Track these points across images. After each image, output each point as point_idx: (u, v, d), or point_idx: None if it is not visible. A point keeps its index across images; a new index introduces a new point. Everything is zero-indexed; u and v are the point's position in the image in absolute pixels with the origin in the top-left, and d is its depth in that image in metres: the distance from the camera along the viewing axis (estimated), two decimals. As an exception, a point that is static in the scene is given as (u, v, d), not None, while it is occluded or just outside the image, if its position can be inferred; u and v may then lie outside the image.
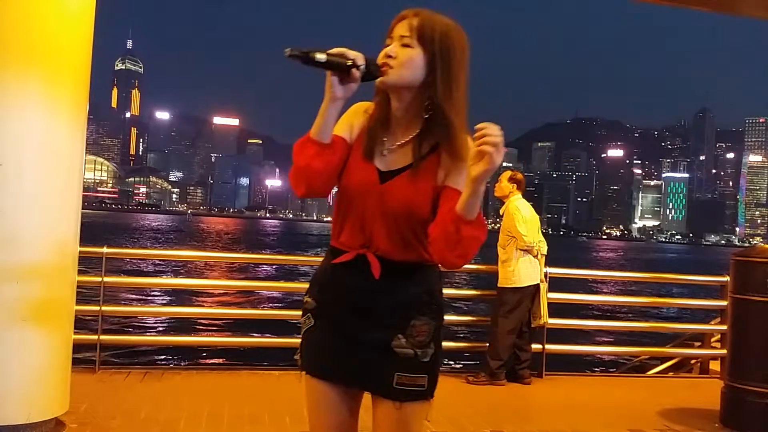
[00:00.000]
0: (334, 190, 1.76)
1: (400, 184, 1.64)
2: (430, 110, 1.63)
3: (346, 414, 1.73)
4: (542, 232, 5.68)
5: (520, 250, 5.26)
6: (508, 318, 5.23)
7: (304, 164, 1.63)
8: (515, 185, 5.48)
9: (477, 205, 1.49)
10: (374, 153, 1.68)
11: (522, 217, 5.27)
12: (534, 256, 5.32)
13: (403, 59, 1.61)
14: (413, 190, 1.62)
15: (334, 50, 1.54)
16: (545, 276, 5.52)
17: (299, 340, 1.79)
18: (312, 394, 1.73)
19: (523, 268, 5.26)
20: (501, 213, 5.49)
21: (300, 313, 1.80)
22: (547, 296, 5.42)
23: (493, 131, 1.40)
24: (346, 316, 1.68)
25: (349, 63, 1.54)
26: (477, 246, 1.54)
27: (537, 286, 5.32)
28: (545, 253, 5.43)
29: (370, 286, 1.65)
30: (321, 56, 1.50)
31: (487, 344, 5.38)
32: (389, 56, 1.62)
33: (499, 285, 5.34)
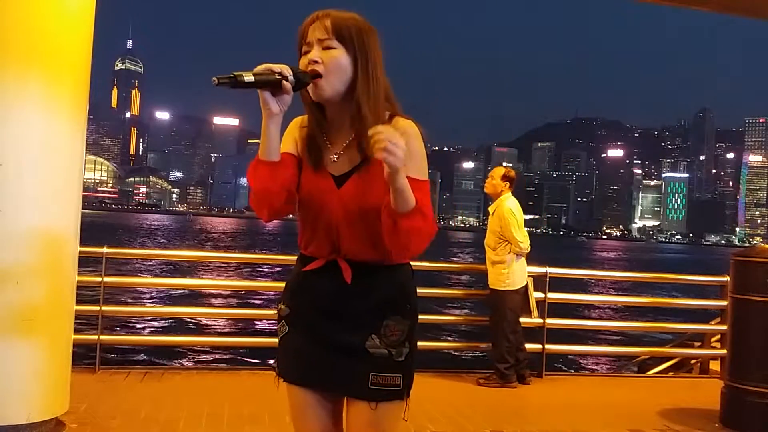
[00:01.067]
0: None
1: (356, 184, 1.63)
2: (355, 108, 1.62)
3: (328, 419, 1.73)
4: (542, 232, 5.70)
5: (514, 253, 5.23)
6: (508, 320, 5.21)
7: (260, 187, 1.62)
8: (508, 183, 5.40)
9: (406, 198, 1.48)
10: (323, 161, 1.67)
11: (517, 221, 5.22)
12: (523, 256, 5.32)
13: (331, 65, 1.59)
14: (370, 186, 1.61)
15: (259, 68, 1.54)
16: (545, 275, 5.51)
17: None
18: (293, 400, 1.73)
19: (518, 270, 5.24)
20: (491, 211, 5.39)
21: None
22: (533, 292, 5.42)
23: (381, 136, 1.39)
24: (319, 321, 1.66)
25: (278, 77, 1.53)
26: (421, 237, 1.53)
27: (526, 284, 5.34)
28: (528, 248, 5.40)
29: (342, 290, 1.64)
30: (248, 77, 1.50)
31: (491, 345, 5.37)
32: (314, 61, 1.59)
33: (493, 287, 5.27)
